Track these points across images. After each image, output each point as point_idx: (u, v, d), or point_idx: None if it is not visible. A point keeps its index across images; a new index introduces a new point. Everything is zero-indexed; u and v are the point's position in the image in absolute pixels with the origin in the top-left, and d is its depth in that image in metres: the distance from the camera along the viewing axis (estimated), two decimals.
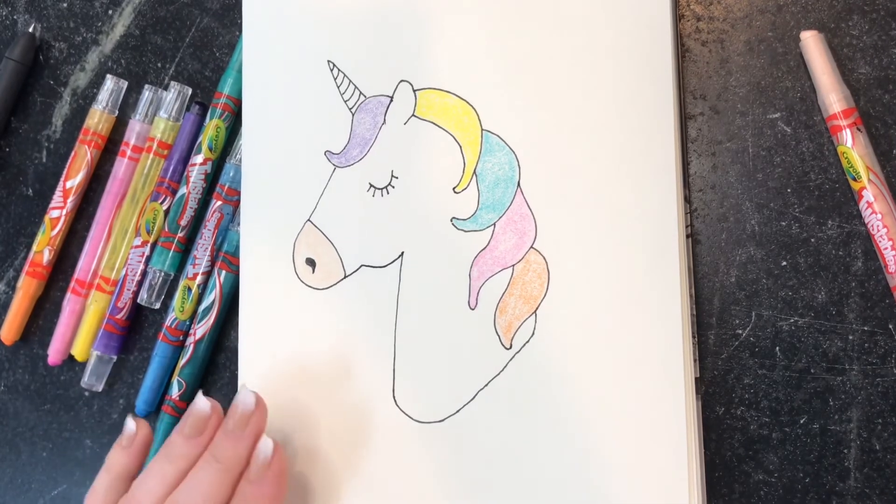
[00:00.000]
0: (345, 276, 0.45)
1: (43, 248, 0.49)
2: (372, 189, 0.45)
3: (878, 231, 0.42)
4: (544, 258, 0.44)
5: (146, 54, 0.50)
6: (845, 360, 0.43)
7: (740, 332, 0.44)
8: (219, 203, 0.47)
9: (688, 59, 0.45)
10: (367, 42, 0.46)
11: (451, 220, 0.45)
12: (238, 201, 0.47)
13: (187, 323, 0.47)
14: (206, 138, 0.47)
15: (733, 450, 0.44)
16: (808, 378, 0.43)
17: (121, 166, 0.49)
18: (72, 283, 0.49)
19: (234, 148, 0.48)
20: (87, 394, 0.50)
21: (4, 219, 0.51)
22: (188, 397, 0.47)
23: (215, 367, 0.48)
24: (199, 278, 0.47)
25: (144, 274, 0.48)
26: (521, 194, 0.44)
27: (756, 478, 0.44)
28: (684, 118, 0.45)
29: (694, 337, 0.44)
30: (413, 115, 0.45)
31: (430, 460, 0.44)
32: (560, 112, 0.44)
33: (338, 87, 0.46)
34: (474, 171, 0.45)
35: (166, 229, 0.48)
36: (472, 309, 0.44)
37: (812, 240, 0.44)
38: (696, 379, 0.43)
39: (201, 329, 0.47)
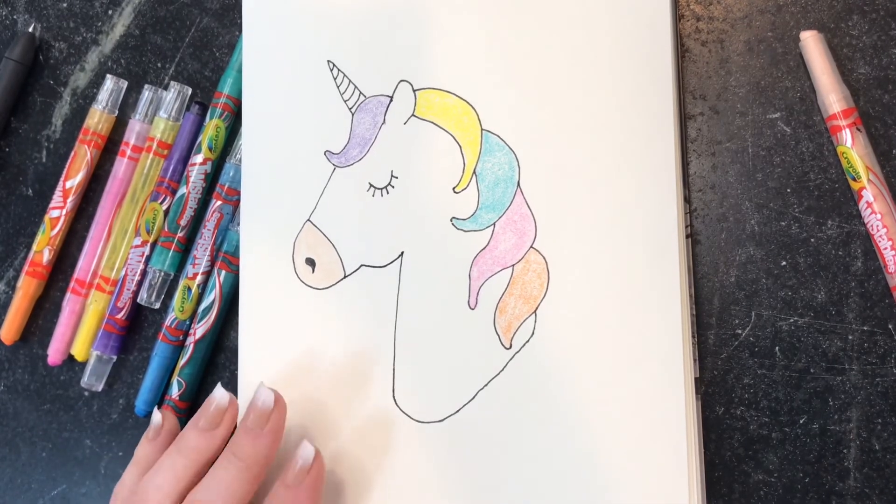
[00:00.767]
0: (345, 276, 0.45)
1: (43, 248, 0.49)
2: (372, 189, 0.45)
3: (878, 231, 0.42)
4: (544, 258, 0.44)
5: (146, 54, 0.50)
6: (845, 360, 0.43)
7: (740, 332, 0.44)
8: (219, 203, 0.47)
9: (688, 59, 0.45)
10: (366, 42, 0.46)
11: (451, 220, 0.45)
12: (238, 201, 0.47)
13: (187, 323, 0.48)
14: (205, 138, 0.47)
15: (733, 450, 0.44)
16: (807, 378, 0.43)
17: (121, 166, 0.49)
18: (71, 283, 0.49)
19: (234, 148, 0.48)
20: (86, 394, 0.50)
21: (4, 219, 0.51)
22: (188, 397, 0.47)
23: (215, 367, 0.48)
24: (198, 278, 0.47)
25: (144, 274, 0.48)
26: (521, 194, 0.44)
27: (756, 478, 0.44)
28: (684, 118, 0.45)
29: (694, 337, 0.44)
30: (413, 114, 0.45)
31: (430, 460, 0.44)
32: (560, 112, 0.44)
33: (338, 87, 0.46)
34: (474, 171, 0.45)
35: (166, 229, 0.48)
36: (472, 309, 0.44)
37: (812, 240, 0.44)
38: (695, 379, 0.43)
39: (201, 329, 0.47)
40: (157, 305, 0.48)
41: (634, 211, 0.43)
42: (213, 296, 0.47)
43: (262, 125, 0.47)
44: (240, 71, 0.47)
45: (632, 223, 0.43)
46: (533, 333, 0.44)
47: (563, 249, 0.44)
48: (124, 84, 0.50)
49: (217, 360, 0.48)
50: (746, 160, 0.45)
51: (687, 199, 0.45)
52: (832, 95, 0.43)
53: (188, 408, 0.48)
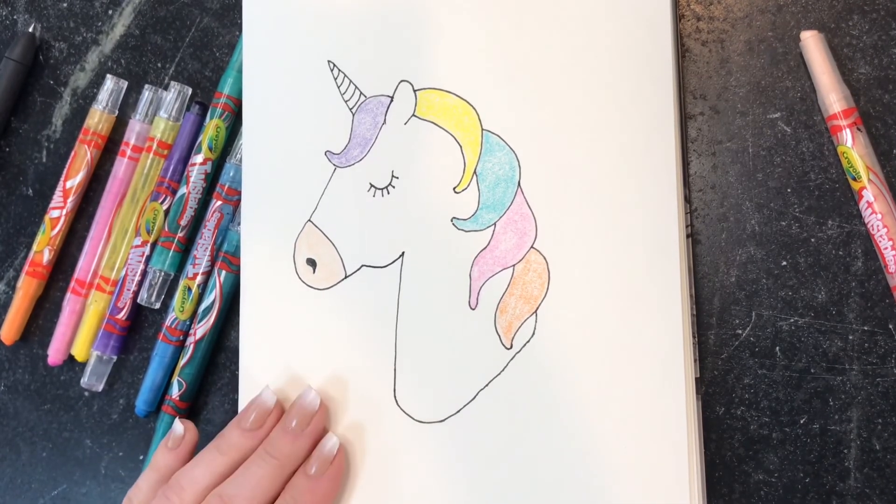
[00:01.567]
0: (345, 277, 0.45)
1: (43, 248, 0.49)
2: (372, 189, 0.45)
3: (878, 231, 0.42)
4: (545, 258, 0.44)
5: (146, 54, 0.50)
6: (845, 360, 0.43)
7: (740, 331, 0.44)
8: (219, 203, 0.47)
9: (688, 59, 0.45)
10: (367, 42, 0.46)
11: (452, 220, 0.45)
12: (238, 201, 0.47)
13: (187, 323, 0.47)
14: (206, 138, 0.47)
15: (733, 450, 0.44)
16: (808, 378, 0.44)
17: (121, 166, 0.49)
18: (72, 283, 0.49)
19: (234, 148, 0.48)
20: (87, 394, 0.50)
21: (4, 219, 0.51)
22: (188, 397, 0.47)
23: (215, 367, 0.48)
24: (199, 278, 0.47)
25: (144, 274, 0.48)
26: (522, 194, 0.44)
27: (756, 478, 0.44)
28: (684, 118, 0.45)
29: (694, 337, 0.44)
30: (413, 115, 0.45)
31: (431, 460, 0.44)
32: (560, 112, 0.44)
33: (338, 87, 0.46)
34: (474, 171, 0.45)
35: (166, 229, 0.48)
36: (473, 309, 0.44)
37: (812, 240, 0.44)
38: (696, 379, 0.43)
39: (201, 329, 0.47)
40: (158, 305, 0.48)
41: (635, 211, 0.43)
42: (213, 296, 0.47)
43: (263, 125, 0.47)
44: (240, 71, 0.47)
45: (632, 223, 0.43)
46: (533, 333, 0.44)
47: (564, 249, 0.44)
48: (124, 84, 0.50)
49: (217, 360, 0.48)
50: (747, 160, 0.45)
51: (687, 199, 0.45)
52: (832, 95, 0.43)
53: (188, 408, 0.48)
